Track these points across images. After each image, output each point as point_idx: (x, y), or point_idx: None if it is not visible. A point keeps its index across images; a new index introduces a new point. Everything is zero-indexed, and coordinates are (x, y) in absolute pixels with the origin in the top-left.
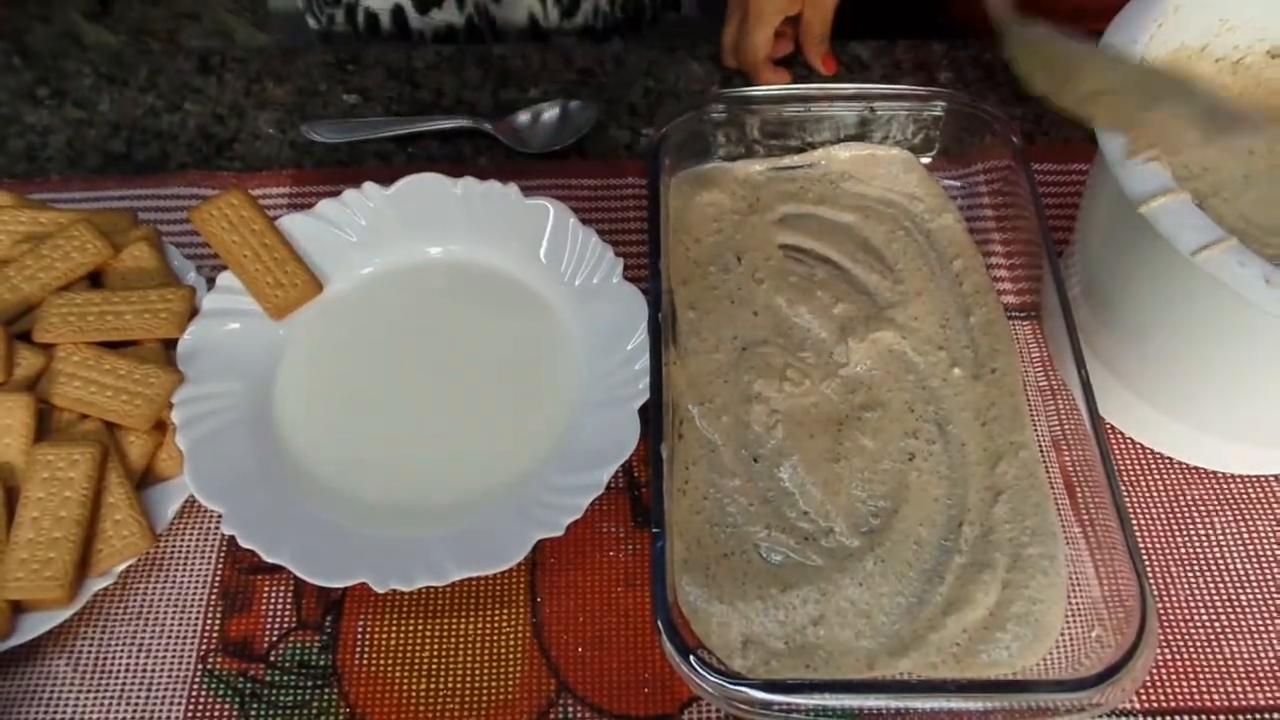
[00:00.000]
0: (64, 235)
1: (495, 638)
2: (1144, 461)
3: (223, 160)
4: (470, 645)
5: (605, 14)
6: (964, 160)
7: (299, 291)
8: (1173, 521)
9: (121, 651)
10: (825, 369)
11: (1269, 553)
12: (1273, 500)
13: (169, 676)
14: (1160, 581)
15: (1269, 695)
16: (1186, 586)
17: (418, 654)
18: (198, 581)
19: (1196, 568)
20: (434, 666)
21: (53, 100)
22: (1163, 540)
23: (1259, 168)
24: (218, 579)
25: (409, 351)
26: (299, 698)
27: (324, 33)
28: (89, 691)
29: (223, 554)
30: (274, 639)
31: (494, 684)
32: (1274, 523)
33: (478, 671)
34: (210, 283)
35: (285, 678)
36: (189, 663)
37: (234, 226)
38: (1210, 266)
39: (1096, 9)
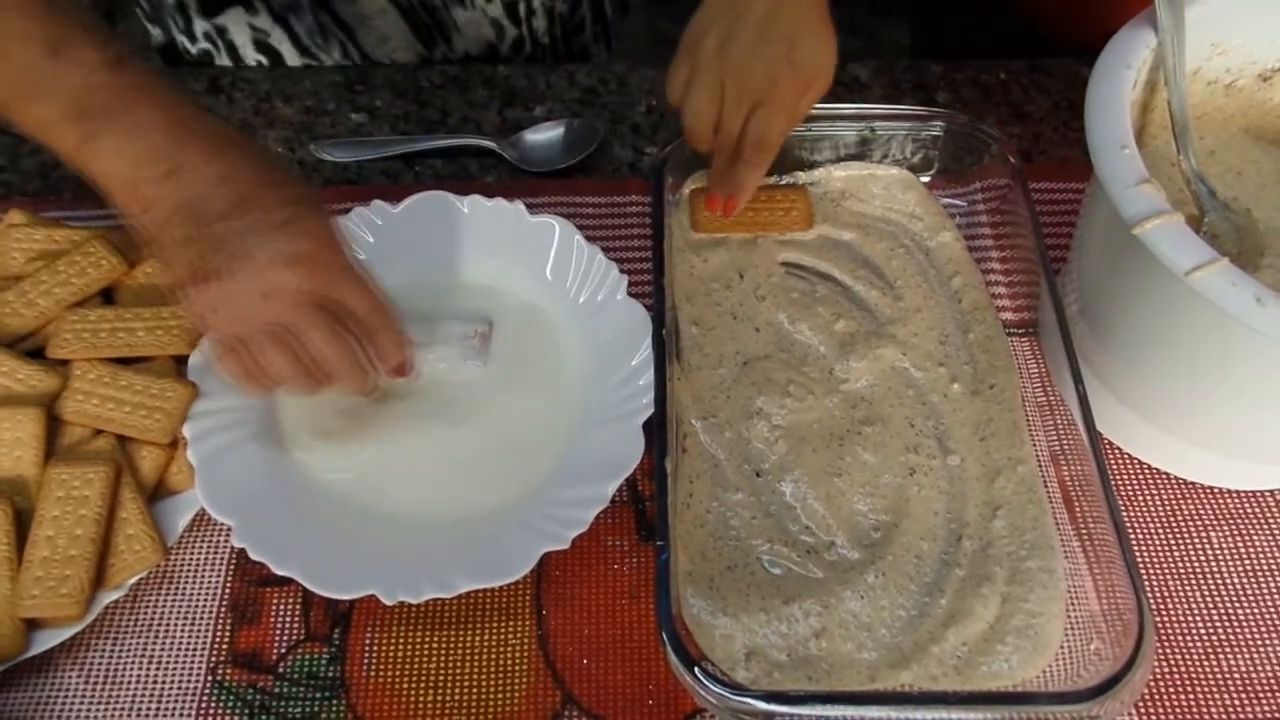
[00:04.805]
0: (80, 251)
1: (501, 649)
2: (1141, 476)
3: None
4: (476, 657)
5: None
6: (963, 179)
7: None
8: (1170, 536)
9: (132, 663)
10: (826, 384)
11: (1265, 567)
12: (1269, 515)
13: (179, 688)
14: (1157, 595)
15: (1265, 709)
16: (1183, 600)
17: (425, 665)
18: (208, 594)
19: (1193, 582)
20: (441, 678)
21: None
22: (1160, 554)
23: None
24: (227, 591)
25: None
26: (307, 709)
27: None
28: (100, 703)
29: (232, 567)
30: (283, 650)
31: (500, 695)
32: (1270, 538)
33: (484, 683)
34: None
35: (294, 689)
36: (199, 674)
37: None
38: (1203, 287)
39: None
